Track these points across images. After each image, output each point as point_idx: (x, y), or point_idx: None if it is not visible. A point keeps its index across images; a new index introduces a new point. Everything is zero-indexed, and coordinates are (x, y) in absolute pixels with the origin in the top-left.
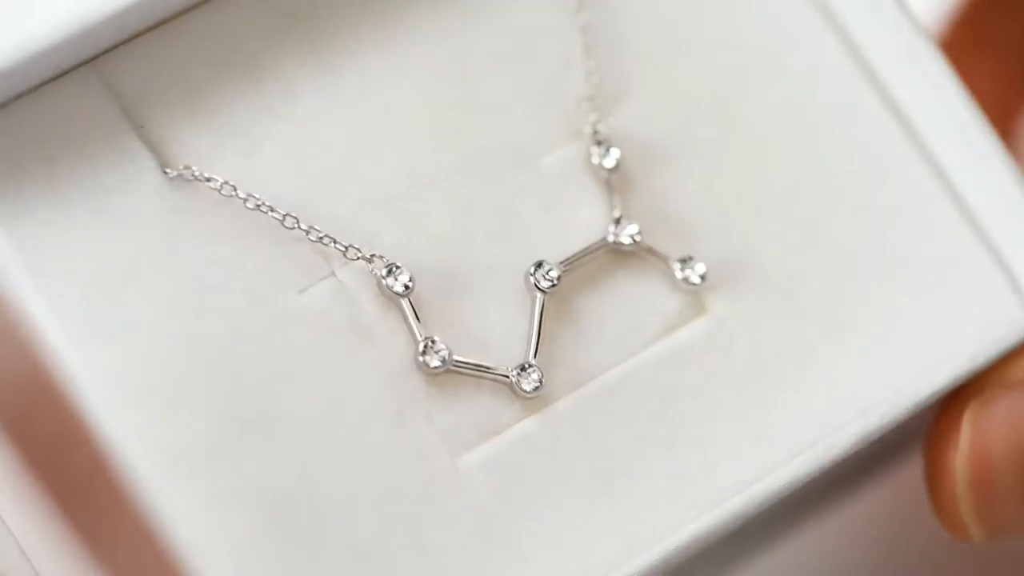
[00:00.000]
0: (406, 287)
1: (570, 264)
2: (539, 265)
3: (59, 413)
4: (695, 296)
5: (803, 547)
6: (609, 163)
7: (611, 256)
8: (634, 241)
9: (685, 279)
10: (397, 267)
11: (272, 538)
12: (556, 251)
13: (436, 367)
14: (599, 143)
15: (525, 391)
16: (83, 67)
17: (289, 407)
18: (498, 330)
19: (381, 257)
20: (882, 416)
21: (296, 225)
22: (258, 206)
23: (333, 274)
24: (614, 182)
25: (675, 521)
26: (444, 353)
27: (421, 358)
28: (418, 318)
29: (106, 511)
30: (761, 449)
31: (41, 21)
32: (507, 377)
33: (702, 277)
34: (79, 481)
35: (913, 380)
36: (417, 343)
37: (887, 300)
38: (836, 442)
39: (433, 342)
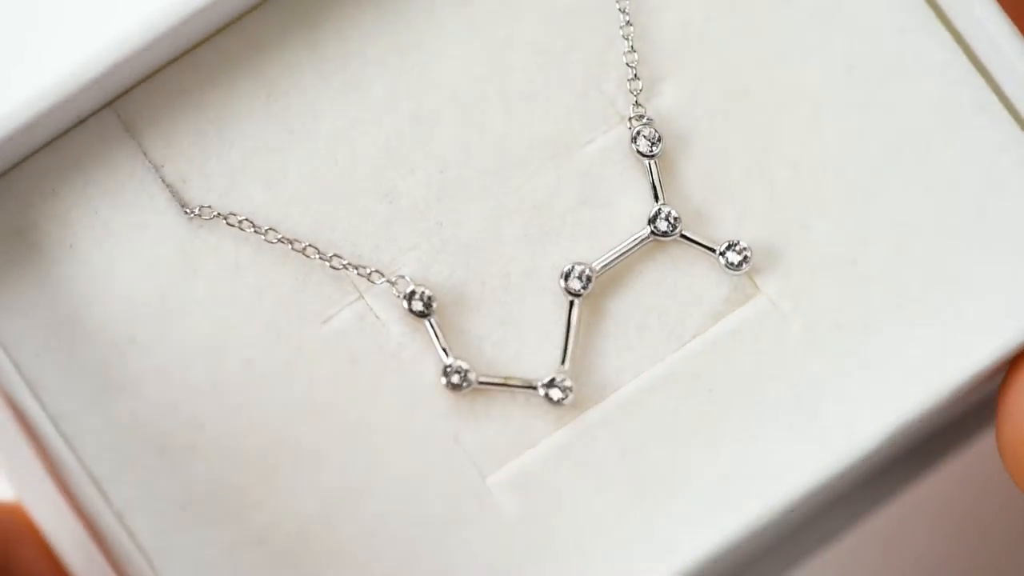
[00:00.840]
0: (428, 306)
1: (607, 264)
2: (571, 270)
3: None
4: (745, 278)
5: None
6: (651, 148)
7: (653, 246)
8: (674, 228)
9: (728, 263)
10: (419, 288)
11: (293, 570)
12: (595, 247)
13: (461, 388)
14: (642, 127)
15: (555, 402)
16: (103, 110)
17: (311, 441)
18: (532, 337)
19: (404, 278)
20: (949, 383)
21: (317, 255)
22: (280, 240)
23: (361, 297)
24: (657, 167)
25: (722, 520)
26: (468, 374)
27: (444, 379)
28: (442, 337)
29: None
30: (815, 437)
31: (61, 68)
32: (535, 390)
33: (746, 259)
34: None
35: (982, 344)
36: (442, 364)
37: (955, 264)
38: (895, 418)
39: (457, 369)
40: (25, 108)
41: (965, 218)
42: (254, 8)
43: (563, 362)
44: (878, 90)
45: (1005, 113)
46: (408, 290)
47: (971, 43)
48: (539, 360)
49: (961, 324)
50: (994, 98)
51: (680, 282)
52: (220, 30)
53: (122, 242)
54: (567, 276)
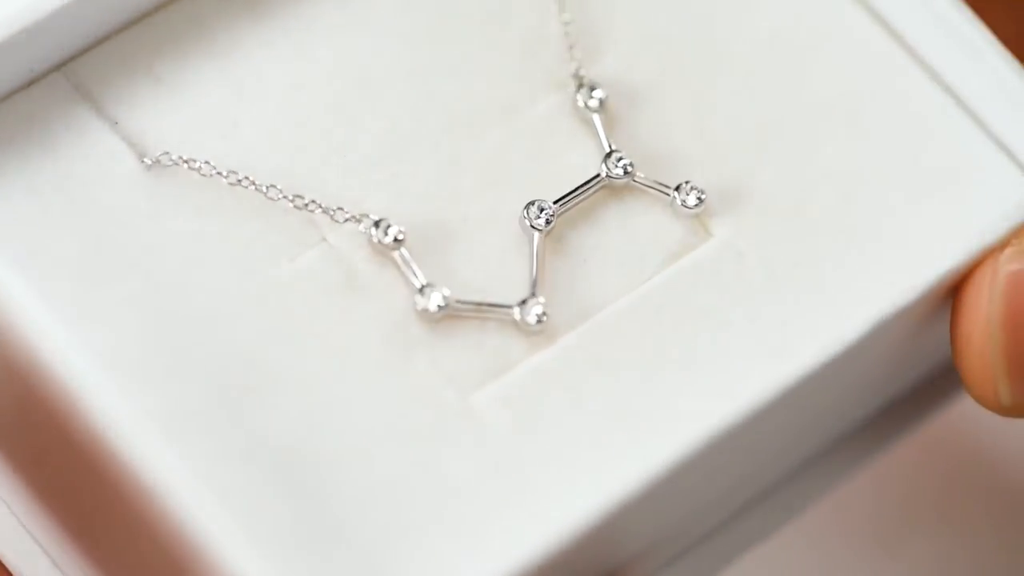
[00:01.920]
0: (397, 239)
1: (565, 203)
2: (531, 204)
3: (53, 399)
4: (697, 222)
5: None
6: (595, 103)
7: (607, 192)
8: (627, 172)
9: (683, 203)
10: (385, 220)
11: (282, 484)
12: (550, 195)
13: (435, 310)
14: (582, 86)
15: (529, 323)
16: (52, 73)
17: (289, 366)
18: (497, 278)
19: (368, 216)
20: (902, 297)
21: (280, 195)
22: (239, 181)
23: (324, 239)
24: (602, 121)
25: (695, 428)
26: (442, 294)
27: (419, 301)
28: (414, 264)
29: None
30: (780, 355)
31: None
32: (509, 312)
33: (700, 199)
34: (76, 466)
35: (927, 266)
36: (415, 287)
37: (895, 198)
38: (852, 327)
39: (431, 286)
40: None
41: (899, 160)
42: None
43: (531, 289)
44: (803, 56)
45: (921, 72)
46: (373, 225)
47: (883, 14)
48: (502, 298)
49: (907, 253)
50: (911, 60)
51: (638, 225)
52: (163, 5)
53: (81, 187)
54: (528, 210)
